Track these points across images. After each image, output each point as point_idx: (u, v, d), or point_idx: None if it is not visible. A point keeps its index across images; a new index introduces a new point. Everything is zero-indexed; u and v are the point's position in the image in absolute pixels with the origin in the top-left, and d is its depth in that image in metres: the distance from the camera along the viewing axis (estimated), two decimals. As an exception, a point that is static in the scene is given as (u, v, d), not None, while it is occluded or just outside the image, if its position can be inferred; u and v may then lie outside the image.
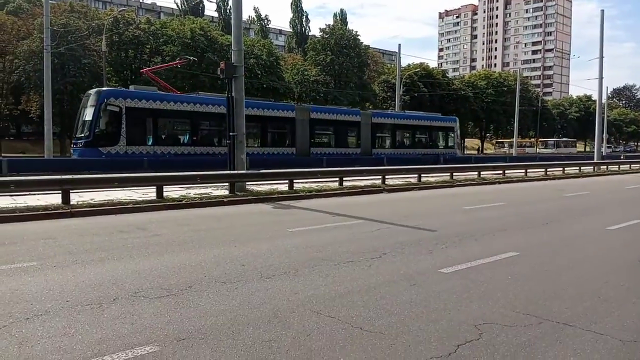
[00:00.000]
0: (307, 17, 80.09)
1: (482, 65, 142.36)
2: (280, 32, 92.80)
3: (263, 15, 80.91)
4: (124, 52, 44.22)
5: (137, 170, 17.18)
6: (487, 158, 42.23)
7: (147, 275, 5.81)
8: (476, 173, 23.53)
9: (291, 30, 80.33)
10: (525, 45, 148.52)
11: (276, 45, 62.97)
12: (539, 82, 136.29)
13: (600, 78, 35.32)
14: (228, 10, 63.48)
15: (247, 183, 15.44)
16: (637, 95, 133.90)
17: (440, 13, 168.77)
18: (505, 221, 10.53)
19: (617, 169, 34.74)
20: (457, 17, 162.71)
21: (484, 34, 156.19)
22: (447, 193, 17.34)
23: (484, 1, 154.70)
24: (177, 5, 71.12)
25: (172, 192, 13.90)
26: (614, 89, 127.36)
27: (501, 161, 33.99)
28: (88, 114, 20.57)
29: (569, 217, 11.65)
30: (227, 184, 14.93)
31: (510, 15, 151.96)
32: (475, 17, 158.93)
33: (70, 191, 11.70)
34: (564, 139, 79.88)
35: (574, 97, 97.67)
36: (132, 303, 4.82)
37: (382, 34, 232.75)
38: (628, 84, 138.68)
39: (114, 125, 20.50)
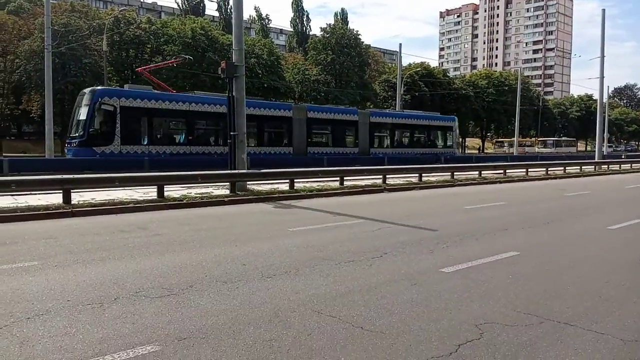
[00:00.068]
0: (307, 16, 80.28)
1: (483, 65, 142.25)
2: (281, 31, 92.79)
3: (264, 15, 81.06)
4: (124, 51, 44.21)
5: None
6: (488, 157, 42.08)
7: (148, 275, 5.81)
8: (477, 172, 23.53)
9: (292, 30, 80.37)
10: (526, 45, 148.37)
11: (277, 44, 62.95)
12: (540, 81, 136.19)
13: (602, 77, 35.32)
14: (229, 10, 63.52)
15: (248, 182, 15.44)
16: (638, 95, 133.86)
17: (441, 12, 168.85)
18: (506, 221, 10.52)
19: (618, 168, 34.73)
20: (458, 16, 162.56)
21: (484, 33, 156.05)
22: (448, 192, 17.33)
23: (485, 0, 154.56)
24: (178, 5, 71.13)
25: (173, 191, 13.90)
26: (615, 88, 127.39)
27: (502, 160, 33.91)
28: (82, 114, 20.46)
29: (570, 216, 11.65)
30: (228, 183, 14.93)
31: (511, 15, 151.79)
32: (476, 16, 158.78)
33: (71, 191, 11.71)
34: (564, 139, 79.77)
35: (575, 97, 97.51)
36: (133, 302, 4.82)
37: (383, 33, 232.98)
38: (629, 83, 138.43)
39: (108, 124, 20.34)
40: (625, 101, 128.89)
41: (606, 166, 34.42)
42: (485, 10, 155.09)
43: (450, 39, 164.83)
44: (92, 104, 20.09)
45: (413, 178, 20.19)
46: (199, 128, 23.49)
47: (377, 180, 18.93)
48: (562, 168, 29.51)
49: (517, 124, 52.92)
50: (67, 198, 11.41)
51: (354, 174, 19.32)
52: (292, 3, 78.53)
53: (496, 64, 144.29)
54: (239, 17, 15.65)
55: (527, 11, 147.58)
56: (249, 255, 6.83)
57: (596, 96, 48.95)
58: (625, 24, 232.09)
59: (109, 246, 7.43)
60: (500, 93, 70.73)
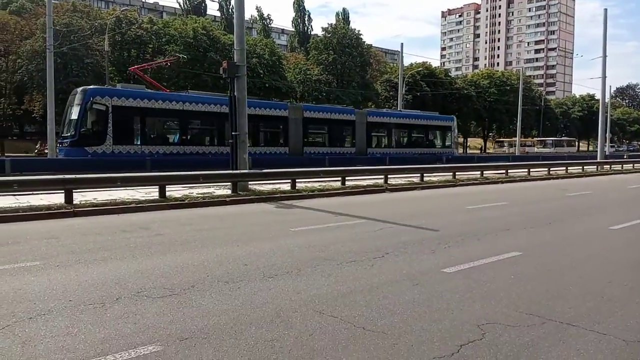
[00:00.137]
0: (309, 16, 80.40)
1: (485, 64, 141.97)
2: (283, 31, 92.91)
3: (265, 15, 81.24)
4: (126, 51, 44.31)
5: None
6: (489, 157, 42.00)
7: (150, 275, 5.82)
8: (479, 172, 23.49)
9: (293, 30, 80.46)
10: (528, 44, 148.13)
11: (278, 44, 63.03)
12: (541, 81, 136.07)
13: (604, 77, 35.16)
14: (230, 10, 63.52)
15: (250, 182, 15.45)
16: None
17: (442, 12, 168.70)
18: (508, 221, 10.51)
19: (620, 168, 34.67)
20: (460, 16, 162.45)
21: (486, 33, 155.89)
22: (450, 192, 17.32)
23: (487, 0, 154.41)
24: (180, 5, 71.29)
25: (175, 191, 13.92)
26: (617, 88, 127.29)
27: (504, 160, 33.82)
28: (74, 113, 20.19)
29: (572, 216, 11.63)
30: (229, 183, 14.95)
31: (512, 14, 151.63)
32: (477, 16, 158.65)
33: (73, 191, 11.74)
34: (564, 138, 79.64)
35: (577, 96, 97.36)
36: (135, 303, 4.83)
37: (384, 33, 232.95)
38: (631, 82, 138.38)
39: (100, 124, 20.06)
40: (627, 101, 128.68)
41: (608, 166, 34.35)
42: (487, 10, 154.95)
43: (452, 39, 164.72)
44: (84, 104, 19.84)
45: (415, 178, 20.17)
46: (193, 128, 23.25)
47: (378, 180, 18.93)
48: (564, 168, 29.44)
49: (519, 123, 52.85)
50: (69, 198, 11.43)
51: (356, 174, 19.30)
52: (294, 3, 78.62)
53: (498, 63, 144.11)
54: (240, 17, 15.65)
55: (529, 11, 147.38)
56: (251, 256, 6.83)
57: (598, 96, 48.98)
58: (627, 24, 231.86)
59: (111, 246, 7.44)
60: (502, 93, 70.68)
